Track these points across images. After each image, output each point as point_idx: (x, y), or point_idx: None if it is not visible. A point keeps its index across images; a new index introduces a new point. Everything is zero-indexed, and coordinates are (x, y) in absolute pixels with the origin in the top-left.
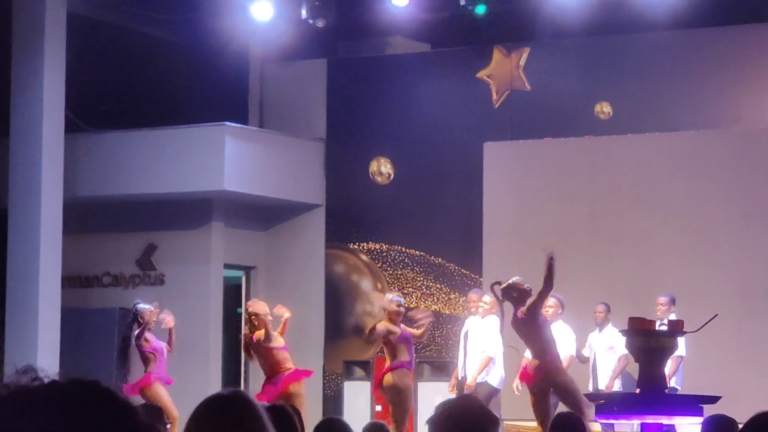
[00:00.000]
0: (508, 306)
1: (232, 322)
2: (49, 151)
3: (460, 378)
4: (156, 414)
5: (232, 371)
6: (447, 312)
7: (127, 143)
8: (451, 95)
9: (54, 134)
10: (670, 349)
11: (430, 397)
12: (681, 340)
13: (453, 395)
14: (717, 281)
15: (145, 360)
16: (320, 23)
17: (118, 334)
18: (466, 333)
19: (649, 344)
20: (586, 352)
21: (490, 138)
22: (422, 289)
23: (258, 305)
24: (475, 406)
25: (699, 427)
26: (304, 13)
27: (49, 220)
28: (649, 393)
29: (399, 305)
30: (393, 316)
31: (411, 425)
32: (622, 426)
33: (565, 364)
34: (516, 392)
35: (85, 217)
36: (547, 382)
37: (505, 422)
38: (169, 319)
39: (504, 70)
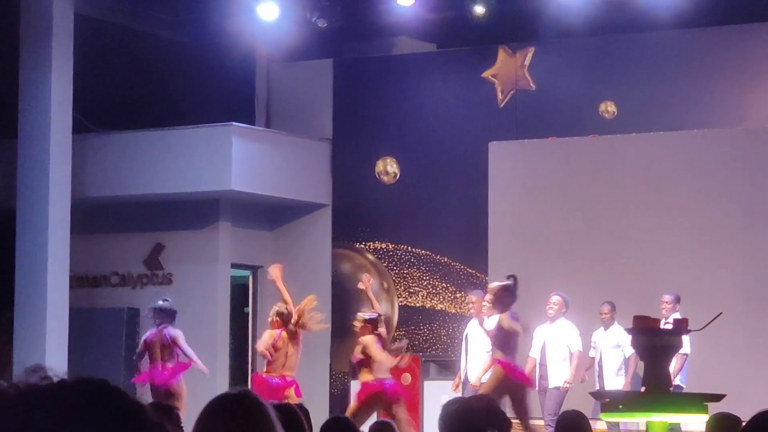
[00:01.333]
0: (515, 306)
1: (239, 322)
2: (57, 151)
3: (462, 379)
4: (167, 413)
5: (239, 370)
6: (453, 311)
7: (134, 144)
8: (457, 95)
9: (62, 135)
10: (675, 347)
11: (436, 395)
12: (686, 338)
13: (457, 394)
14: (721, 280)
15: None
16: (321, 23)
17: (126, 334)
18: (467, 335)
19: (654, 342)
20: (591, 353)
21: (495, 137)
22: (428, 288)
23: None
24: (486, 406)
25: (704, 425)
26: (309, 13)
27: (56, 220)
28: (655, 391)
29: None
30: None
31: (417, 423)
32: (627, 425)
33: (575, 361)
34: None
35: (92, 217)
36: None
37: (511, 420)
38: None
39: (509, 70)
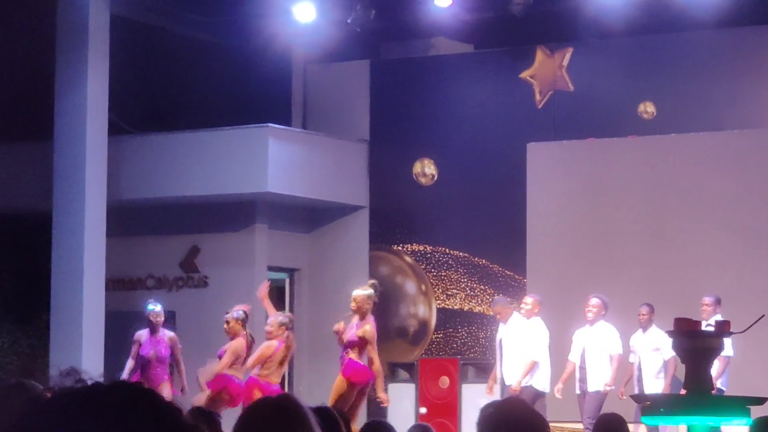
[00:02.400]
0: (554, 308)
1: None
2: (93, 153)
3: (499, 383)
4: (207, 417)
5: None
6: (491, 314)
7: (170, 145)
8: (495, 96)
9: (97, 137)
10: (717, 349)
11: (474, 398)
12: (728, 341)
13: (492, 396)
14: (763, 281)
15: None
16: (356, 24)
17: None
18: (501, 340)
19: (695, 345)
20: (632, 358)
21: (533, 138)
22: (466, 291)
23: None
24: (524, 409)
25: (746, 429)
26: (349, 13)
27: (92, 223)
28: (696, 394)
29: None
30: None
31: (456, 427)
32: (668, 428)
33: (615, 364)
34: (558, 395)
35: (128, 219)
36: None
37: (550, 424)
38: None
39: (547, 71)
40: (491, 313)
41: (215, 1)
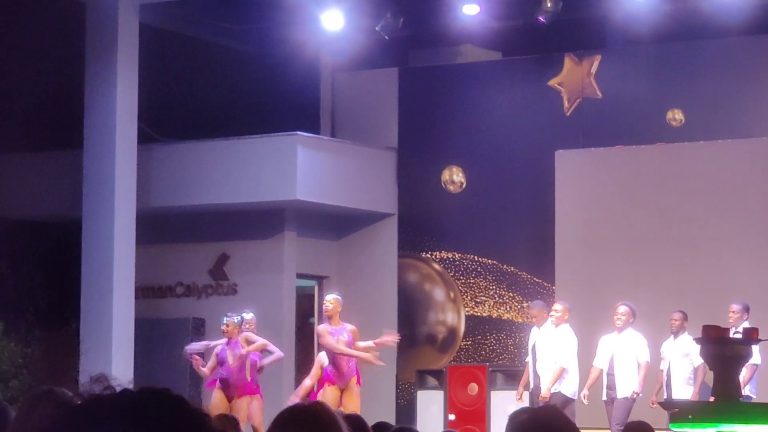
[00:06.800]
0: (582, 315)
1: (305, 332)
2: (122, 162)
3: (531, 389)
4: (230, 422)
5: None
6: (519, 320)
7: (199, 153)
8: (523, 103)
9: (127, 145)
10: (745, 357)
11: (503, 405)
12: (756, 348)
13: (521, 403)
14: None
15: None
16: (385, 32)
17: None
18: (534, 345)
19: (723, 352)
20: (662, 365)
21: (561, 146)
22: (495, 298)
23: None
24: (555, 416)
25: None
26: (375, 22)
27: (122, 230)
28: (724, 401)
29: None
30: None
31: None
32: None
33: (643, 372)
34: (584, 402)
35: (158, 227)
36: None
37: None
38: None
39: (575, 78)
40: (520, 320)
41: (243, 10)
